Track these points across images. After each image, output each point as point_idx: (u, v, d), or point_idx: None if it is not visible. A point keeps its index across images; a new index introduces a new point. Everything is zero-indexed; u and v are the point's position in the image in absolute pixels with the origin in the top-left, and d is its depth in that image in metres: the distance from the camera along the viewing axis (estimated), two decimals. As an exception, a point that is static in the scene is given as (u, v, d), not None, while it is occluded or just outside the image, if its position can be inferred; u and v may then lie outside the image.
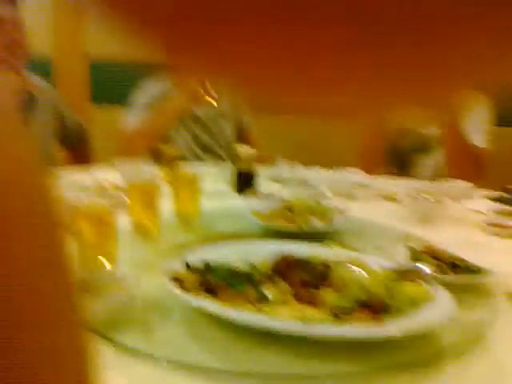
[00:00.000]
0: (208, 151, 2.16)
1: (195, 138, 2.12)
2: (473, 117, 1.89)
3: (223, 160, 2.19)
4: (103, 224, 0.94)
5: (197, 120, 2.13)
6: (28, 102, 1.74)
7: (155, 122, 1.96)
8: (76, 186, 1.55)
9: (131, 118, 2.02)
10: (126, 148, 1.98)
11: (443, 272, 0.93)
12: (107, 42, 2.91)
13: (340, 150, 2.74)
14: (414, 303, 0.78)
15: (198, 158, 2.13)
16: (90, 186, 1.53)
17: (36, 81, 1.87)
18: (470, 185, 1.60)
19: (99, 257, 0.94)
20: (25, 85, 1.72)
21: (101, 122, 2.94)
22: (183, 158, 1.78)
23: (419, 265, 0.92)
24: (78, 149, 2.13)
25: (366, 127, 2.00)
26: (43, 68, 2.88)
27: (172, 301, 0.83)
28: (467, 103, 1.92)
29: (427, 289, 0.82)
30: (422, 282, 0.84)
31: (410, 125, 2.01)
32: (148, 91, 2.07)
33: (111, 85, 2.99)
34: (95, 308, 0.74)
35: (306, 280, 0.86)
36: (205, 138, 2.14)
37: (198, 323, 0.78)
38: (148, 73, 2.26)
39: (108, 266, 0.94)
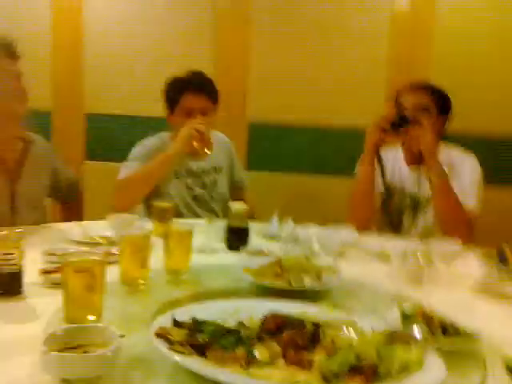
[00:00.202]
0: (201, 203, 2.17)
1: (189, 190, 2.14)
2: (462, 177, 1.93)
3: (216, 213, 2.20)
4: (91, 277, 0.92)
5: (191, 173, 2.15)
6: (22, 153, 1.76)
7: (149, 167, 1.98)
8: (66, 239, 1.54)
9: (127, 168, 2.04)
10: (120, 195, 1.99)
11: (434, 335, 0.91)
12: (105, 98, 2.99)
13: (332, 208, 2.77)
14: (405, 368, 0.76)
15: (191, 209, 2.14)
16: (80, 239, 1.52)
17: (32, 134, 1.89)
18: (460, 246, 1.60)
19: (85, 309, 0.92)
20: (21, 136, 1.74)
21: (95, 177, 2.96)
22: (176, 213, 1.78)
23: (410, 328, 0.90)
24: (70, 202, 2.13)
25: (357, 186, 2.02)
26: (41, 121, 2.93)
27: (157, 358, 0.80)
28: (457, 164, 1.96)
29: (418, 353, 0.81)
30: (413, 346, 0.82)
31: (401, 184, 2.04)
32: (145, 145, 2.11)
33: (107, 140, 3.03)
34: (77, 363, 0.72)
35: (295, 341, 0.84)
36: (198, 190, 2.16)
37: (184, 382, 0.76)
38: (146, 128, 2.31)
39: (93, 319, 0.92)
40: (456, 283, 1.36)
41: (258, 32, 2.87)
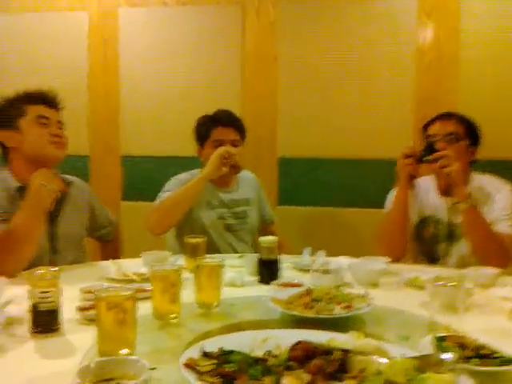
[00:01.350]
0: (233, 234, 2.23)
1: (222, 220, 2.21)
2: (495, 203, 1.89)
3: (247, 244, 2.24)
4: (122, 311, 0.95)
5: (223, 204, 2.23)
6: (61, 195, 1.84)
7: (183, 190, 2.06)
8: (102, 276, 1.59)
9: (161, 196, 2.12)
10: (155, 217, 2.05)
11: (469, 362, 0.89)
12: (139, 140, 3.11)
13: (363, 240, 2.74)
14: (437, 393, 0.75)
15: (223, 239, 2.20)
16: (115, 277, 1.57)
17: (70, 176, 1.99)
18: (497, 271, 1.56)
19: (118, 343, 0.94)
20: (60, 180, 1.82)
21: (131, 217, 3.04)
22: (209, 243, 1.82)
23: (444, 354, 0.88)
24: (108, 242, 2.20)
25: (391, 215, 2.01)
26: (79, 165, 3.06)
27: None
28: (490, 191, 1.93)
29: (452, 379, 0.79)
30: (447, 373, 0.81)
31: (435, 213, 2.02)
32: (178, 178, 2.20)
33: (141, 181, 3.13)
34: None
35: (324, 369, 0.83)
36: (230, 220, 2.22)
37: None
38: (178, 167, 2.39)
39: (126, 352, 0.95)
40: (492, 310, 1.32)
41: (284, 71, 2.94)
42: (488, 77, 2.73)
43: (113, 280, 1.54)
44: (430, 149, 1.91)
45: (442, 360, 0.84)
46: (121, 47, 3.10)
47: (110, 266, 1.71)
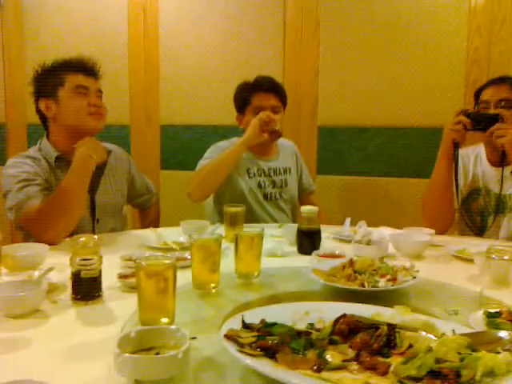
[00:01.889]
0: (272, 202, 2.21)
1: (260, 189, 2.19)
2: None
3: (286, 213, 2.22)
4: (163, 280, 0.94)
5: (262, 172, 2.20)
6: (102, 166, 1.85)
7: (223, 155, 2.05)
8: (142, 244, 1.60)
9: (202, 162, 2.12)
10: (196, 182, 2.06)
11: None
12: (178, 109, 3.09)
13: (407, 211, 2.66)
14: (492, 374, 0.70)
15: (262, 207, 2.18)
16: (155, 245, 1.57)
17: (109, 144, 1.99)
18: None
19: (158, 312, 0.94)
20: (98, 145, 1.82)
21: (170, 185, 3.06)
22: (247, 211, 1.80)
23: (497, 331, 0.83)
24: (147, 209, 2.21)
25: (433, 185, 1.93)
26: (120, 134, 3.08)
27: (228, 360, 0.80)
28: None
29: (505, 357, 0.74)
30: (502, 351, 0.76)
31: (484, 184, 1.92)
32: (218, 145, 2.18)
33: (180, 150, 3.12)
34: (149, 364, 0.73)
35: (370, 344, 0.80)
36: (269, 189, 2.20)
37: (254, 384, 0.75)
38: (217, 136, 2.36)
39: (166, 321, 0.94)
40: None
41: (327, 36, 2.83)
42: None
43: (153, 248, 1.55)
44: (484, 115, 1.80)
45: (498, 338, 0.79)
46: (160, 15, 3.05)
47: (150, 235, 1.71)
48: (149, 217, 2.21)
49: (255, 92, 2.15)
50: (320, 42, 2.84)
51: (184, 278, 1.15)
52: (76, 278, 1.09)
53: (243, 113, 2.19)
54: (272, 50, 2.91)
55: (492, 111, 1.81)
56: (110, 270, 1.20)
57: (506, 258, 1.10)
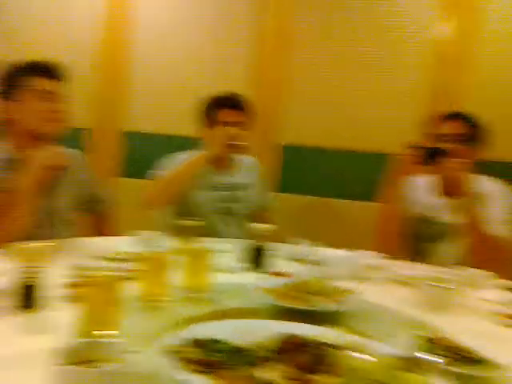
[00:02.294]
0: (229, 216, 2.23)
1: (218, 201, 2.21)
2: (493, 205, 1.89)
3: (244, 228, 2.23)
4: (108, 291, 0.94)
5: (222, 186, 2.22)
6: (60, 170, 1.83)
7: (183, 166, 2.07)
8: (93, 254, 1.58)
9: (159, 173, 2.12)
10: (152, 192, 2.06)
11: (452, 363, 0.89)
12: (143, 117, 3.08)
13: (359, 233, 2.74)
14: (419, 395, 0.74)
15: (218, 220, 2.20)
16: (105, 255, 1.56)
17: (70, 150, 1.96)
18: (488, 274, 1.55)
19: (101, 324, 0.94)
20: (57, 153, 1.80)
21: (129, 194, 3.03)
22: (207, 225, 1.82)
23: (427, 355, 0.88)
24: (101, 217, 2.18)
25: (384, 211, 2.00)
26: (81, 138, 3.03)
27: (167, 375, 0.81)
28: (489, 192, 1.92)
29: (432, 381, 0.78)
30: (428, 374, 0.80)
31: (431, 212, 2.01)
32: (177, 157, 2.19)
33: (143, 159, 3.10)
34: (90, 377, 0.73)
35: (308, 363, 0.83)
36: (227, 203, 2.23)
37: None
38: (180, 147, 2.37)
39: (109, 334, 0.94)
40: (479, 311, 1.32)
41: (298, 57, 2.90)
42: (503, 76, 2.70)
43: (103, 258, 1.53)
44: (436, 149, 1.89)
45: (427, 361, 0.83)
46: (131, 21, 3.04)
47: (102, 243, 1.69)
48: (103, 225, 2.18)
49: (222, 107, 2.18)
50: (290, 63, 2.91)
51: (131, 289, 1.15)
52: (19, 285, 1.07)
53: (209, 127, 2.21)
54: (241, 67, 2.95)
55: (444, 145, 1.90)
56: (56, 278, 1.18)
57: (442, 285, 1.16)
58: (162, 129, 3.06)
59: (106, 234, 1.99)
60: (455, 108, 2.18)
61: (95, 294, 0.94)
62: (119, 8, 3.05)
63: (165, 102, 3.05)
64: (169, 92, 3.04)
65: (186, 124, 2.90)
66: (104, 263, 1.31)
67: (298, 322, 1.02)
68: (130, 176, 3.13)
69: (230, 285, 1.39)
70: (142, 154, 3.11)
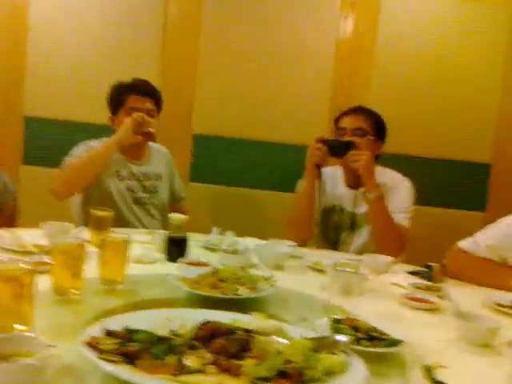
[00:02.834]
0: (142, 207, 2.19)
1: (130, 192, 2.16)
2: (395, 196, 2.03)
3: (155, 219, 2.21)
4: (19, 286, 0.90)
5: (132, 176, 2.17)
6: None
7: (92, 153, 2.02)
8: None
9: (69, 159, 2.04)
10: (62, 179, 1.99)
11: (361, 343, 0.96)
12: (45, 102, 2.92)
13: (272, 222, 2.82)
14: (329, 373, 0.80)
15: (131, 211, 2.15)
16: (11, 247, 1.48)
17: None
18: (392, 259, 1.68)
19: (13, 319, 0.90)
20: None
21: (31, 182, 2.87)
22: (116, 215, 1.77)
23: (338, 336, 0.94)
24: (2, 208, 2.05)
25: (298, 201, 2.08)
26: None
27: (88, 367, 0.80)
28: (391, 184, 2.06)
29: (343, 359, 0.85)
30: (339, 353, 0.86)
31: (340, 202, 2.12)
32: (87, 144, 2.11)
33: (45, 145, 2.94)
34: (3, 372, 0.70)
35: (226, 348, 0.86)
36: (139, 193, 2.18)
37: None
38: (86, 134, 2.28)
39: (22, 328, 0.90)
40: (385, 295, 1.43)
41: (206, 46, 2.89)
42: (399, 74, 2.89)
43: (8, 251, 1.45)
44: (340, 142, 2.00)
45: (337, 341, 0.89)
46: (32, 1, 2.86)
47: (5, 235, 1.60)
48: (4, 217, 2.05)
49: (130, 93, 2.13)
50: (200, 50, 2.90)
51: (43, 282, 1.10)
52: None
53: (116, 113, 2.15)
54: (151, 52, 2.89)
55: (348, 138, 2.01)
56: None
57: (349, 270, 1.25)
58: (67, 115, 2.92)
59: (8, 225, 1.88)
60: (356, 103, 2.30)
61: (6, 289, 0.90)
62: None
63: (69, 88, 2.90)
64: (72, 77, 2.90)
65: (92, 111, 2.81)
66: (11, 256, 1.24)
67: (214, 309, 1.05)
68: (32, 164, 2.96)
69: (147, 276, 1.38)
70: (46, 140, 2.95)
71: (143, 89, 2.15)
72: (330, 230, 2.14)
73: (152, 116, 2.13)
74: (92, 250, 1.39)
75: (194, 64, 2.90)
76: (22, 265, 0.94)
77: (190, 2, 2.88)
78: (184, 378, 0.78)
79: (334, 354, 0.85)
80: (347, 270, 1.22)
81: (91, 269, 1.23)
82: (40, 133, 2.95)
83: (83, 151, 2.06)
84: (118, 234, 1.34)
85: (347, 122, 2.06)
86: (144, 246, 1.67)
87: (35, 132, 2.95)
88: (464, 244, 1.69)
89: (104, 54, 2.89)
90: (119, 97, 2.15)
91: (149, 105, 2.14)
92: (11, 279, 0.91)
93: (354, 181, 2.07)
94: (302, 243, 1.99)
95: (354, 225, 2.10)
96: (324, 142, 2.00)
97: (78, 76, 2.90)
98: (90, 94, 2.84)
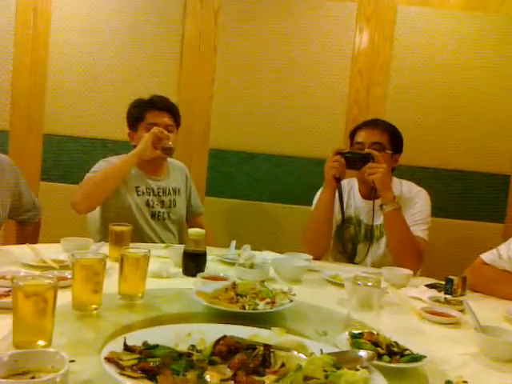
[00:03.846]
0: (159, 222, 2.20)
1: (148, 207, 2.17)
2: (412, 209, 2.01)
3: (173, 233, 2.23)
4: (41, 301, 0.91)
5: (151, 191, 2.19)
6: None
7: (111, 167, 2.05)
8: (18, 262, 1.51)
9: (87, 177, 2.07)
10: (82, 192, 2.00)
11: (381, 359, 0.95)
12: (64, 119, 2.97)
13: (289, 236, 2.81)
14: (351, 388, 0.79)
15: (149, 226, 2.17)
16: (32, 263, 1.49)
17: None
18: (409, 272, 1.66)
19: (35, 335, 0.91)
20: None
21: (50, 198, 2.91)
22: (134, 230, 1.79)
23: (358, 351, 0.93)
24: (28, 225, 2.10)
25: (316, 214, 2.07)
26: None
27: (107, 383, 0.80)
28: (409, 196, 2.05)
29: (365, 375, 0.83)
30: (360, 368, 0.85)
31: (356, 215, 2.11)
32: (107, 160, 2.14)
33: (64, 162, 2.99)
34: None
35: (246, 364, 0.85)
36: (157, 208, 2.19)
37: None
38: (104, 151, 2.31)
39: (43, 344, 0.91)
40: (404, 309, 1.41)
41: (222, 62, 2.92)
42: (415, 85, 2.88)
43: (29, 266, 1.47)
44: (357, 154, 1.99)
45: (358, 357, 0.88)
46: (53, 20, 2.92)
47: (26, 251, 1.62)
48: (28, 233, 2.09)
49: (150, 109, 2.17)
50: (216, 66, 2.93)
51: (63, 298, 1.12)
52: None
53: (136, 129, 2.19)
54: (168, 69, 2.93)
55: (365, 151, 2.00)
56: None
57: (369, 284, 1.23)
58: (85, 132, 2.97)
59: (31, 241, 1.91)
60: (372, 116, 2.29)
61: (28, 305, 0.91)
62: (34, 3, 2.93)
63: (87, 105, 2.95)
64: (91, 94, 2.94)
65: (110, 127, 2.86)
66: (33, 271, 1.26)
67: (233, 324, 1.04)
68: (51, 180, 3.01)
69: (165, 290, 1.38)
70: (64, 157, 2.99)
71: (162, 104, 2.19)
72: (347, 242, 2.13)
73: (170, 131, 2.15)
74: (111, 264, 1.41)
75: (210, 80, 2.93)
76: (45, 280, 0.95)
77: (207, 19, 2.92)
78: (204, 393, 0.78)
79: (355, 369, 0.84)
80: (369, 283, 1.21)
81: (110, 284, 1.24)
82: (59, 150, 3.00)
83: (103, 167, 2.09)
84: (136, 248, 1.35)
85: (364, 137, 2.06)
86: (160, 260, 1.68)
87: (54, 149, 3.00)
88: (486, 256, 1.67)
89: (122, 71, 2.93)
90: (139, 113, 2.18)
91: (167, 120, 2.17)
92: (35, 295, 0.92)
93: (370, 192, 2.06)
94: (318, 256, 1.98)
95: (370, 237, 2.08)
96: (342, 154, 2.00)
97: (96, 96, 2.94)
98: (109, 111, 2.88)
